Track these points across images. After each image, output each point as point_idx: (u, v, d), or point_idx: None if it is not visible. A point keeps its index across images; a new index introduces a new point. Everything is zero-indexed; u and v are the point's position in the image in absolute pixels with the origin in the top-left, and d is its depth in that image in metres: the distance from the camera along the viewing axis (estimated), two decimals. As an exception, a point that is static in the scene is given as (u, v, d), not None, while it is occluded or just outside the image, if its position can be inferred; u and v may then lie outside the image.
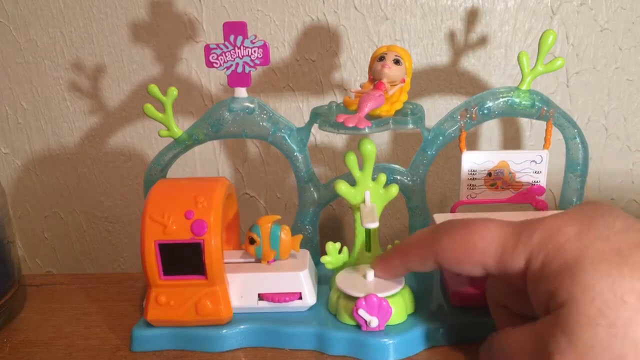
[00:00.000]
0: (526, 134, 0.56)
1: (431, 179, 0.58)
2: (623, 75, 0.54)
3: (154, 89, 0.41)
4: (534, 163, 0.43)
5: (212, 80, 0.56)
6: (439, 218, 0.41)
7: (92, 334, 0.41)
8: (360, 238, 0.41)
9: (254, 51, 0.41)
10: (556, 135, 0.43)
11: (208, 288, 0.37)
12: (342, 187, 0.40)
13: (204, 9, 0.54)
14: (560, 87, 0.55)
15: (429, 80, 0.55)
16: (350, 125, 0.37)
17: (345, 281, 0.38)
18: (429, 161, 0.44)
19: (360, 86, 0.42)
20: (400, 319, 0.37)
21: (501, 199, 0.45)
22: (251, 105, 0.43)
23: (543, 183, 0.44)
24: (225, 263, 0.38)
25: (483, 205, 0.45)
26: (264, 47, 0.41)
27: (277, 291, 0.39)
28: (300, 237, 0.41)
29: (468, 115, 0.43)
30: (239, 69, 0.41)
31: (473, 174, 0.44)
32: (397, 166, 0.45)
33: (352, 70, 0.55)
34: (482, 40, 0.53)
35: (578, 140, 0.43)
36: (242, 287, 0.38)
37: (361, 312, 0.36)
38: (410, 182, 0.44)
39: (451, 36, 0.53)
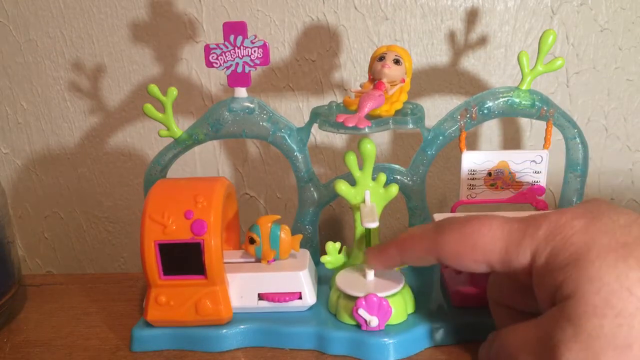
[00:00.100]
0: (526, 134, 0.56)
1: (431, 179, 0.58)
2: (623, 75, 0.54)
3: (154, 89, 0.41)
4: (534, 163, 0.43)
5: (212, 80, 0.56)
6: (439, 218, 0.41)
7: (92, 334, 0.41)
8: (360, 238, 0.41)
9: (254, 51, 0.41)
10: (556, 135, 0.43)
11: (208, 288, 0.37)
12: (342, 187, 0.40)
13: (204, 9, 0.54)
14: (560, 87, 0.55)
15: (429, 80, 0.55)
16: (350, 125, 0.37)
17: (345, 281, 0.38)
18: (429, 161, 0.44)
19: (360, 86, 0.42)
20: (401, 318, 0.37)
21: (501, 199, 0.45)
22: (251, 105, 0.43)
23: (543, 183, 0.44)
24: (225, 263, 0.38)
25: (483, 205, 0.45)
26: (264, 47, 0.41)
27: (277, 291, 0.39)
28: (300, 236, 0.41)
29: (468, 115, 0.43)
30: (239, 69, 0.41)
31: (473, 174, 0.44)
32: (397, 166, 0.45)
33: (352, 70, 0.55)
34: (482, 40, 0.53)
35: (578, 140, 0.43)
36: (242, 287, 0.38)
37: (361, 311, 0.36)
38: (410, 182, 0.44)
39: (451, 36, 0.53)
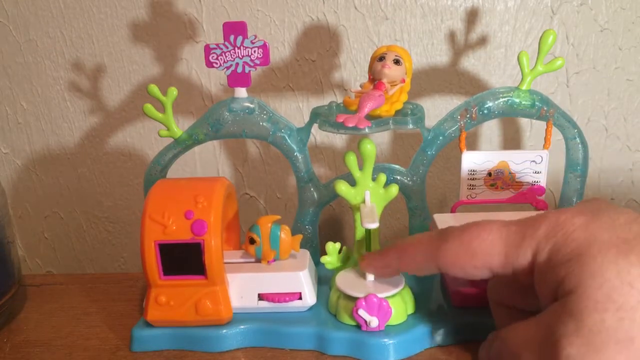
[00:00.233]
0: (526, 134, 0.56)
1: (431, 179, 0.58)
2: (623, 75, 0.54)
3: (154, 89, 0.41)
4: (534, 163, 0.43)
5: (212, 80, 0.56)
6: (439, 218, 0.42)
7: (92, 334, 0.41)
8: (360, 238, 0.41)
9: (254, 51, 0.41)
10: (556, 135, 0.43)
11: (208, 288, 0.37)
12: (342, 187, 0.40)
13: (204, 9, 0.54)
14: (560, 87, 0.55)
15: (429, 80, 0.55)
16: (350, 125, 0.37)
17: (345, 282, 0.38)
18: (429, 161, 0.44)
19: (360, 86, 0.42)
20: (401, 319, 0.37)
21: (501, 199, 0.45)
22: (251, 106, 0.43)
23: (543, 183, 0.44)
24: (225, 263, 0.38)
25: (483, 205, 0.45)
26: (264, 47, 0.41)
27: (277, 291, 0.39)
28: (300, 237, 0.41)
29: (468, 115, 0.43)
30: (239, 69, 0.41)
31: (473, 174, 0.44)
32: (397, 166, 0.45)
33: (352, 70, 0.55)
34: (482, 40, 0.53)
35: (578, 140, 0.43)
36: (242, 287, 0.38)
37: (361, 312, 0.36)
38: (410, 182, 0.44)
39: (451, 36, 0.53)
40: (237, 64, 0.41)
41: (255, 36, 0.40)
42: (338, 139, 0.57)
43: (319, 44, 0.54)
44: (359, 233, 0.41)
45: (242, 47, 0.41)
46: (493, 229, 0.30)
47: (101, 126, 0.58)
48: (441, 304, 0.40)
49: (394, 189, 0.40)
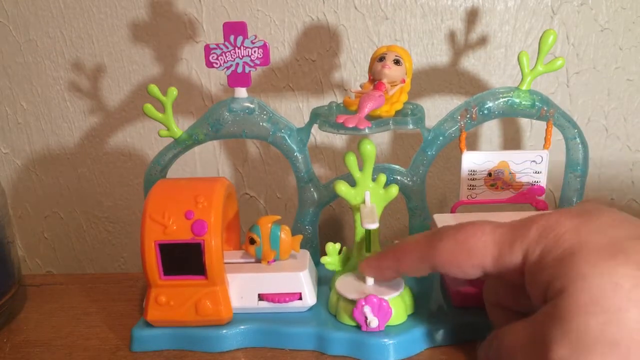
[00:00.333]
0: (526, 134, 0.56)
1: (431, 179, 0.58)
2: (623, 75, 0.54)
3: (154, 89, 0.41)
4: (534, 163, 0.43)
5: (212, 80, 0.56)
6: (439, 218, 0.42)
7: (92, 334, 0.41)
8: (360, 239, 0.41)
9: (254, 51, 0.41)
10: (556, 135, 0.43)
11: (208, 288, 0.37)
12: (342, 188, 0.40)
13: (204, 9, 0.54)
14: (560, 87, 0.55)
15: (429, 80, 0.55)
16: (351, 125, 0.37)
17: (345, 285, 0.38)
18: (429, 161, 0.44)
19: (361, 86, 0.42)
20: (401, 319, 0.37)
21: (501, 199, 0.45)
22: (251, 106, 0.43)
23: (543, 183, 0.44)
24: (226, 263, 0.38)
25: (483, 205, 0.45)
26: (264, 47, 0.41)
27: (277, 291, 0.39)
28: (300, 237, 0.41)
29: (468, 116, 0.43)
30: (239, 69, 0.41)
31: (473, 174, 0.44)
32: (397, 166, 0.45)
33: (352, 70, 0.55)
34: (482, 40, 0.53)
35: (578, 140, 0.43)
36: (242, 288, 0.38)
37: (367, 309, 0.36)
38: (410, 182, 0.44)
39: (451, 36, 0.53)
40: (237, 64, 0.41)
41: (256, 36, 0.40)
42: (338, 139, 0.57)
43: (319, 44, 0.54)
44: (359, 233, 0.41)
45: (242, 47, 0.41)
46: (486, 230, 0.30)
47: (101, 126, 0.58)
48: (441, 304, 0.40)
49: (394, 190, 0.40)
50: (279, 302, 0.39)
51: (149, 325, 0.38)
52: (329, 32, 0.53)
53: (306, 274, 0.39)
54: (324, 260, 0.40)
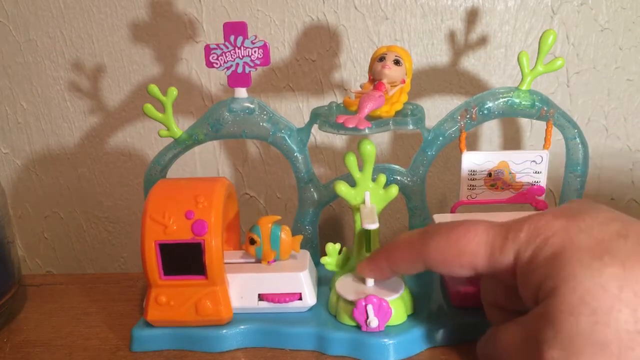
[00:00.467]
0: (526, 134, 0.56)
1: (431, 179, 0.58)
2: (623, 75, 0.54)
3: (154, 89, 0.41)
4: (534, 163, 0.43)
5: (212, 80, 0.56)
6: (439, 218, 0.42)
7: (92, 334, 0.41)
8: (360, 239, 0.41)
9: (254, 51, 0.41)
10: (556, 135, 0.43)
11: (208, 288, 0.37)
12: (342, 188, 0.40)
13: (204, 9, 0.54)
14: (560, 87, 0.55)
15: (429, 80, 0.55)
16: (351, 126, 0.37)
17: (345, 287, 0.38)
18: (429, 161, 0.44)
19: (361, 87, 0.42)
20: (400, 319, 0.37)
21: (501, 199, 0.45)
22: (251, 106, 0.43)
23: (543, 183, 0.44)
24: (226, 263, 0.38)
25: (483, 205, 0.45)
26: (264, 47, 0.41)
27: (277, 292, 0.39)
28: (300, 237, 0.41)
29: (468, 116, 0.43)
30: (239, 69, 0.41)
31: (473, 174, 0.44)
32: (397, 166, 0.45)
33: (352, 70, 0.55)
34: (482, 40, 0.53)
35: (578, 140, 0.43)
36: (242, 288, 0.38)
37: (369, 308, 0.36)
38: (410, 183, 0.44)
39: (451, 36, 0.53)
40: (238, 64, 0.41)
41: (256, 36, 0.40)
42: (338, 140, 0.57)
43: (319, 44, 0.54)
44: (359, 234, 0.41)
45: (242, 47, 0.41)
46: (479, 230, 0.30)
47: (101, 126, 0.58)
48: (441, 304, 0.40)
49: (394, 190, 0.40)
50: (279, 302, 0.39)
51: (149, 325, 0.38)
52: (329, 32, 0.53)
53: (306, 274, 0.39)
54: (324, 260, 0.40)
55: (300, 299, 0.39)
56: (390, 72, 0.40)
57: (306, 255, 0.41)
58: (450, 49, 0.54)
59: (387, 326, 0.37)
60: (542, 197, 0.44)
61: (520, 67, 0.42)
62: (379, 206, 0.40)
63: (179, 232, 0.36)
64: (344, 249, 0.41)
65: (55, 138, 0.59)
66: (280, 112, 0.56)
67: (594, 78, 0.54)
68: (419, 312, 0.39)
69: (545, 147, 0.43)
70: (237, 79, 0.42)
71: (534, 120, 0.54)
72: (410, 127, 0.40)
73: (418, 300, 0.39)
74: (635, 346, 0.24)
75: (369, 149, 0.39)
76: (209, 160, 0.59)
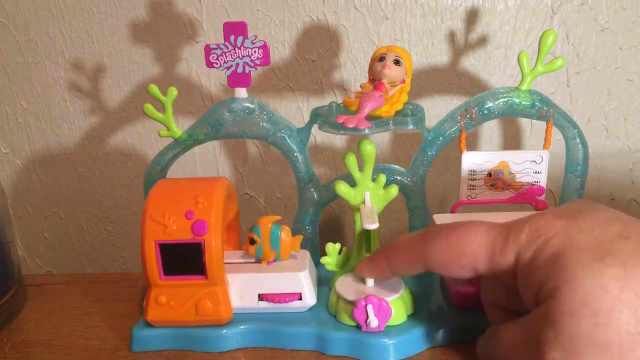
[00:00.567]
0: (526, 134, 0.56)
1: (431, 179, 0.58)
2: (623, 75, 0.54)
3: (154, 89, 0.41)
4: (534, 163, 0.43)
5: (212, 80, 0.56)
6: (439, 218, 0.42)
7: (92, 334, 0.41)
8: (360, 239, 0.41)
9: (254, 51, 0.41)
10: (556, 135, 0.43)
11: (208, 288, 0.37)
12: (342, 188, 0.40)
13: (204, 9, 0.54)
14: (560, 87, 0.55)
15: (429, 80, 0.55)
16: (351, 126, 0.37)
17: (345, 287, 0.38)
18: (429, 161, 0.44)
19: (361, 87, 0.42)
20: (400, 319, 0.37)
21: (501, 199, 0.45)
22: (251, 106, 0.43)
23: (543, 183, 0.44)
24: (226, 263, 0.38)
25: (483, 205, 0.45)
26: (264, 47, 0.41)
27: (277, 291, 0.39)
28: (300, 237, 0.41)
29: (468, 116, 0.43)
30: (239, 69, 0.41)
31: (473, 174, 0.44)
32: (397, 166, 0.45)
33: (352, 70, 0.55)
34: (482, 40, 0.53)
35: (578, 140, 0.43)
36: (242, 288, 0.38)
37: (369, 307, 0.36)
38: (410, 183, 0.44)
39: (451, 36, 0.53)
40: (237, 64, 0.41)
41: (256, 36, 0.40)
42: (338, 140, 0.57)
43: (319, 44, 0.54)
44: (359, 233, 0.41)
45: (242, 47, 0.41)
46: (479, 232, 0.30)
47: (101, 126, 0.58)
48: (441, 304, 0.40)
49: (394, 190, 0.40)
50: (279, 302, 0.39)
51: (149, 325, 0.38)
52: (329, 32, 0.53)
53: (306, 274, 0.39)
54: (324, 260, 0.40)
55: (300, 299, 0.39)
56: (390, 72, 0.40)
57: (306, 255, 0.41)
58: (450, 49, 0.54)
59: (387, 326, 0.37)
60: (542, 197, 0.44)
61: (520, 67, 0.42)
62: (379, 206, 0.40)
63: (179, 232, 0.36)
64: (344, 249, 0.41)
65: (55, 138, 0.59)
66: (280, 112, 0.56)
67: (594, 78, 0.54)
68: (419, 312, 0.39)
69: (545, 147, 0.43)
70: (237, 79, 0.42)
71: (534, 120, 0.54)
72: (410, 127, 0.40)
73: (418, 300, 0.39)
74: (637, 347, 0.24)
75: (369, 149, 0.39)
76: (209, 160, 0.59)
